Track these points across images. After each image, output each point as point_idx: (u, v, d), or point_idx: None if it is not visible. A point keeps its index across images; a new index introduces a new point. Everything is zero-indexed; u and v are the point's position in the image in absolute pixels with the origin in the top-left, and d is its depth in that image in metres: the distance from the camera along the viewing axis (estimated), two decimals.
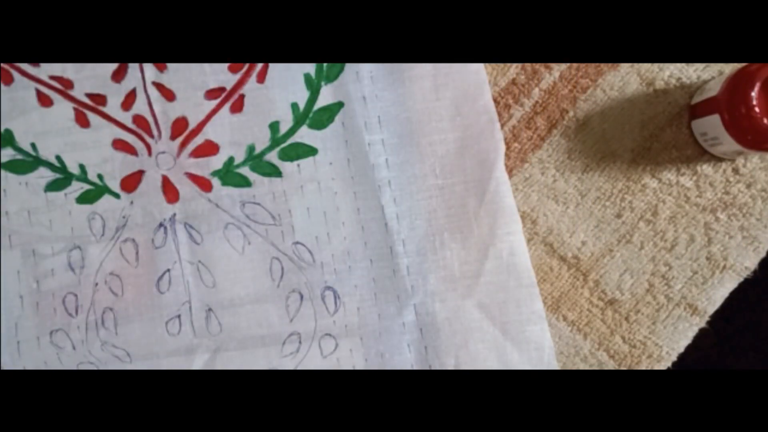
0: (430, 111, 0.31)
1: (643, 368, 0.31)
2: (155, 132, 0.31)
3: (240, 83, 0.31)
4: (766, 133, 0.27)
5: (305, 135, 0.31)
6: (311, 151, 0.31)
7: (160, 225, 0.32)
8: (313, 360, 0.31)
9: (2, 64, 0.31)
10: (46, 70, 0.31)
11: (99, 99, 0.31)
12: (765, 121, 0.27)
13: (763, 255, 0.31)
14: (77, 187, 0.31)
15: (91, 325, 0.31)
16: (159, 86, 0.31)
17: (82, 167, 0.31)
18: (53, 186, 0.31)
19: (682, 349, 0.31)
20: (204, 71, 0.31)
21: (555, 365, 0.31)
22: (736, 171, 0.31)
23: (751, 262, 0.31)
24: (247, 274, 0.32)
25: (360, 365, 0.31)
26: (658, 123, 0.31)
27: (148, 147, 0.31)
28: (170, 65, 0.31)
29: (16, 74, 0.31)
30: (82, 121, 0.31)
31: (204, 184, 0.32)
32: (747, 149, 0.28)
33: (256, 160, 0.31)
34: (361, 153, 0.31)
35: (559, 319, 0.32)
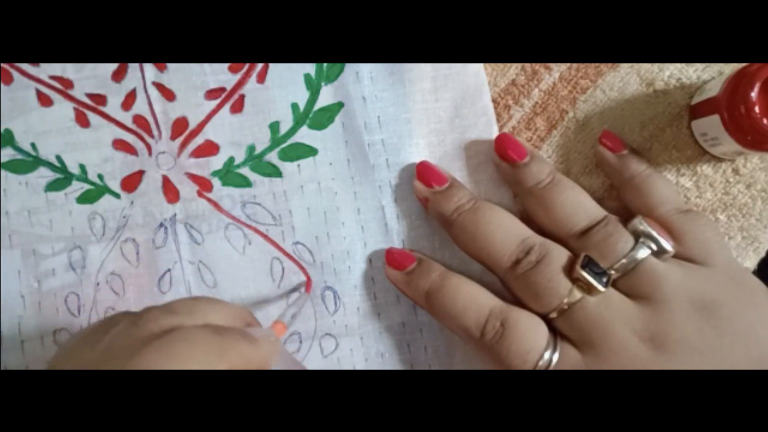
0: (429, 112, 0.31)
1: None
2: (155, 132, 0.31)
3: (240, 83, 0.31)
4: (766, 133, 0.27)
5: (305, 135, 0.31)
6: (311, 151, 0.31)
7: (161, 225, 0.32)
8: (313, 360, 0.32)
9: (2, 64, 0.31)
10: (46, 70, 0.31)
11: (99, 99, 0.31)
12: (765, 121, 0.27)
13: (763, 255, 0.31)
14: (77, 187, 0.32)
15: None
16: (159, 86, 0.31)
17: (82, 167, 0.31)
18: (53, 186, 0.31)
19: None
20: (204, 71, 0.31)
21: None
22: (736, 171, 0.31)
23: (751, 263, 0.31)
24: (247, 274, 0.32)
25: (360, 365, 0.32)
26: (658, 123, 0.31)
27: (149, 147, 0.31)
28: (170, 65, 0.31)
29: (16, 74, 0.31)
30: (82, 121, 0.31)
31: (204, 184, 0.32)
32: (747, 149, 0.28)
33: (256, 160, 0.31)
34: (361, 153, 0.31)
35: None
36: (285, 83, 0.31)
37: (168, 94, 0.31)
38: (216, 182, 0.32)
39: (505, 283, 0.29)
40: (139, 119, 0.31)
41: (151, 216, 0.32)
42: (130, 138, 0.31)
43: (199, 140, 0.31)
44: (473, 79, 0.31)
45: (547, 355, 0.27)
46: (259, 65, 0.31)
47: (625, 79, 0.31)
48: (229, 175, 0.32)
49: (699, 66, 0.31)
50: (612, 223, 0.28)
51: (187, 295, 0.31)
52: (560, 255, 0.28)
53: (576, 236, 0.28)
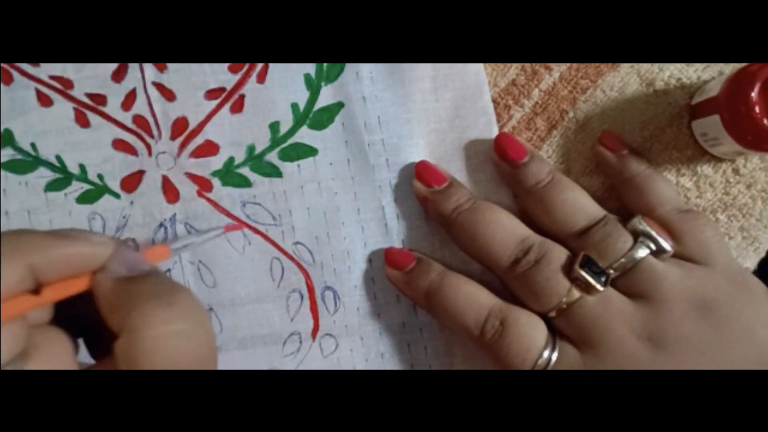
0: (429, 112, 0.31)
1: None
2: (155, 132, 0.31)
3: (240, 83, 0.31)
4: (766, 133, 0.27)
5: (305, 135, 0.31)
6: (311, 151, 0.31)
7: (161, 225, 0.32)
8: (313, 360, 0.32)
9: (2, 64, 0.31)
10: (46, 70, 0.31)
11: (99, 99, 0.31)
12: (765, 121, 0.27)
13: (763, 255, 0.31)
14: (77, 187, 0.32)
15: None
16: (159, 86, 0.31)
17: (82, 167, 0.31)
18: (53, 186, 0.31)
19: None
20: (204, 71, 0.31)
21: None
22: (736, 171, 0.31)
23: (751, 263, 0.31)
24: (247, 274, 0.32)
25: (360, 365, 0.32)
26: (658, 123, 0.31)
27: (148, 147, 0.31)
28: (170, 65, 0.31)
29: (16, 74, 0.31)
30: (82, 121, 0.31)
31: (204, 184, 0.32)
32: (747, 150, 0.28)
33: (256, 160, 0.31)
34: (361, 153, 0.31)
35: None
36: (285, 83, 0.31)
37: (168, 94, 0.31)
38: (216, 182, 0.32)
39: (504, 282, 0.29)
40: (139, 119, 0.31)
41: (150, 216, 0.32)
42: (130, 138, 0.31)
43: (199, 140, 0.31)
44: (473, 79, 0.31)
45: (546, 354, 0.27)
46: (259, 65, 0.31)
47: (625, 79, 0.31)
48: (229, 175, 0.32)
49: (699, 66, 0.31)
50: (611, 223, 0.28)
51: None
52: (559, 254, 0.28)
53: (575, 236, 0.28)
